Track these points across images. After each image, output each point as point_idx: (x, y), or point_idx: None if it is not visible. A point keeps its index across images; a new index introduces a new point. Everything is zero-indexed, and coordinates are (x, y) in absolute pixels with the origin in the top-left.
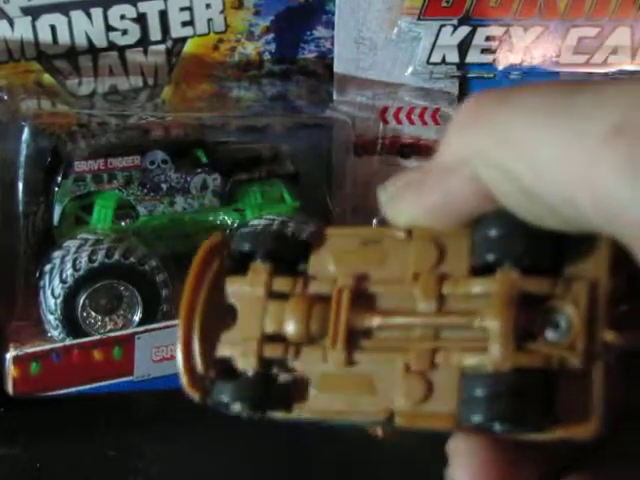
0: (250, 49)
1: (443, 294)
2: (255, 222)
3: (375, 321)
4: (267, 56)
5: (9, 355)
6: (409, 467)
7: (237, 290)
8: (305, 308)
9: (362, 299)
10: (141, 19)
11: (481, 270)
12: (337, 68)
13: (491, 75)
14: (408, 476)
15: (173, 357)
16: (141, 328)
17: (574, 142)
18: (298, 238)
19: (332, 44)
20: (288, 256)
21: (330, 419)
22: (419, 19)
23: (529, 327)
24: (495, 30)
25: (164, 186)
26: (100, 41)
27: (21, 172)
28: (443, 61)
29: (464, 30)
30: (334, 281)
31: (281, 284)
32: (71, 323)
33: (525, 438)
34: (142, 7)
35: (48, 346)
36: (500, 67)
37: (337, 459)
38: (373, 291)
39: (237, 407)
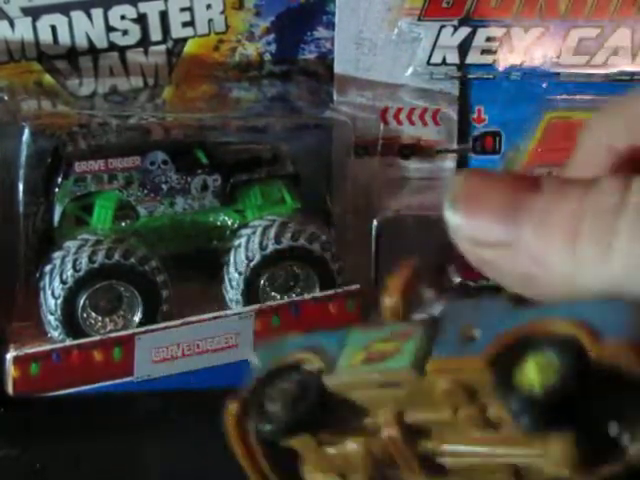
0: (250, 50)
1: (492, 421)
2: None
3: (441, 447)
4: (267, 57)
5: (9, 355)
6: None
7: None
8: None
9: (412, 434)
10: (142, 19)
11: None
12: (337, 69)
13: (491, 76)
14: None
15: (173, 357)
16: (141, 329)
17: None
18: (314, 400)
19: (332, 45)
20: (316, 418)
21: None
22: (419, 20)
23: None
24: (495, 31)
25: (164, 187)
26: (100, 41)
27: (21, 172)
28: (443, 62)
29: (464, 31)
30: (377, 427)
31: (337, 458)
32: (71, 324)
33: None
34: (142, 7)
35: (48, 347)
36: (500, 68)
37: None
38: (419, 426)
39: None
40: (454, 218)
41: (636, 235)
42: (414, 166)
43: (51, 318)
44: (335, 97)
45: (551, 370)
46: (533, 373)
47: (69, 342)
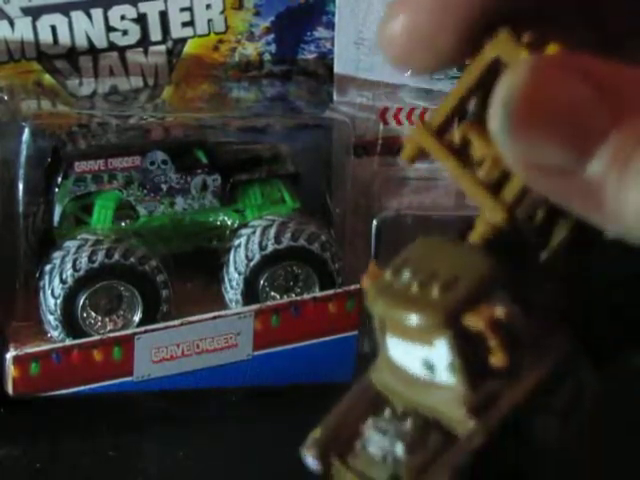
0: (250, 50)
1: None
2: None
3: None
4: (267, 57)
5: (9, 355)
6: None
7: None
8: None
9: None
10: (141, 20)
11: None
12: (337, 69)
13: None
14: None
15: (173, 357)
16: (141, 328)
17: None
18: None
19: (332, 45)
20: None
21: None
22: None
23: None
24: None
25: (164, 186)
26: (100, 41)
27: (21, 172)
28: None
29: None
30: None
31: None
32: (71, 323)
33: None
34: (142, 7)
35: (48, 346)
36: None
37: None
38: None
39: None
40: (509, 132)
41: None
42: (414, 166)
43: (51, 318)
44: (335, 97)
45: None
46: None
47: (69, 342)
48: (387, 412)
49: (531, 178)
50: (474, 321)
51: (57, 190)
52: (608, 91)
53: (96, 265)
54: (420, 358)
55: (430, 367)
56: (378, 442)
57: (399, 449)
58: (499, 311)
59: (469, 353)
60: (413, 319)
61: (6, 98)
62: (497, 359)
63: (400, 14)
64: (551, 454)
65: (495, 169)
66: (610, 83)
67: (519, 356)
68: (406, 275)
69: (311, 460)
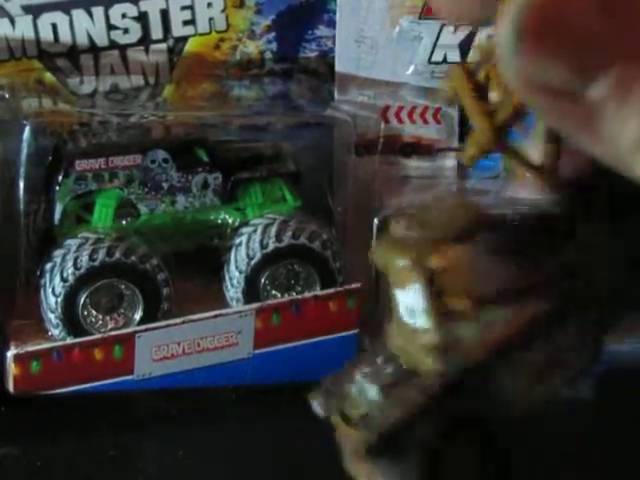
0: (251, 48)
1: None
2: None
3: None
4: (268, 55)
5: (10, 353)
6: None
7: None
8: None
9: None
10: (142, 18)
11: None
12: (338, 67)
13: None
14: None
15: (174, 356)
16: (142, 327)
17: None
18: None
19: (333, 43)
20: None
21: None
22: (420, 18)
23: None
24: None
25: (165, 185)
26: (101, 40)
27: (22, 170)
28: (444, 60)
29: (465, 29)
30: None
31: None
32: (72, 322)
33: None
34: (143, 6)
35: (49, 345)
36: None
37: (337, 460)
38: None
39: None
40: (515, 47)
41: None
42: (415, 164)
43: (52, 316)
44: (336, 95)
45: None
46: None
47: (70, 340)
48: (379, 359)
49: (530, 96)
50: (436, 262)
51: (58, 188)
52: (621, 17)
53: (97, 263)
54: (404, 304)
55: (412, 313)
56: (359, 384)
57: (373, 391)
58: (460, 252)
59: (436, 296)
60: (393, 262)
61: (7, 96)
62: (459, 303)
63: None
64: (517, 412)
65: (503, 100)
66: (624, 8)
67: (489, 304)
68: (408, 227)
69: (316, 405)
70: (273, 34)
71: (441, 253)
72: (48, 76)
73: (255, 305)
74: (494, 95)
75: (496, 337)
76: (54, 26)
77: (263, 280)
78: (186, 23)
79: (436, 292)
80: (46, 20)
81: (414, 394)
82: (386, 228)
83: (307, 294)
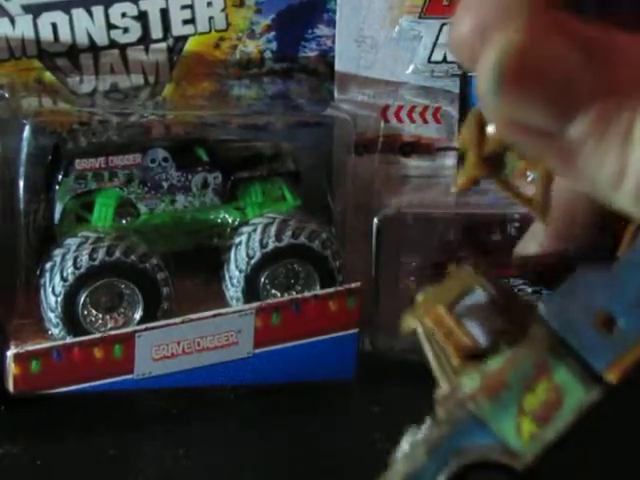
0: (251, 47)
1: None
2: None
3: None
4: (268, 54)
5: (10, 353)
6: None
7: None
8: None
9: None
10: (142, 17)
11: None
12: (338, 66)
13: None
14: None
15: (173, 355)
16: (142, 326)
17: None
18: None
19: (333, 42)
20: None
21: None
22: (420, 17)
23: None
24: None
25: (165, 184)
26: (101, 39)
27: (22, 170)
28: (444, 60)
29: None
30: None
31: None
32: (72, 321)
33: None
34: (143, 5)
35: (49, 344)
36: None
37: (337, 460)
38: None
39: None
40: (496, 90)
41: None
42: (415, 164)
43: (51, 315)
44: (336, 95)
45: None
46: None
47: (69, 339)
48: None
49: (511, 136)
50: (427, 321)
51: (58, 188)
52: (597, 58)
53: (97, 263)
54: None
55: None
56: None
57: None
58: (440, 311)
59: (437, 350)
60: (407, 325)
61: (7, 95)
62: (451, 355)
63: (467, 16)
64: None
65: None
66: (600, 49)
67: (480, 352)
68: (427, 295)
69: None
70: (273, 33)
71: (431, 312)
72: (48, 75)
73: (255, 304)
74: (490, 128)
75: (492, 385)
76: (54, 25)
77: (263, 279)
78: (186, 22)
79: (436, 349)
80: (46, 19)
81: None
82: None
83: (307, 293)
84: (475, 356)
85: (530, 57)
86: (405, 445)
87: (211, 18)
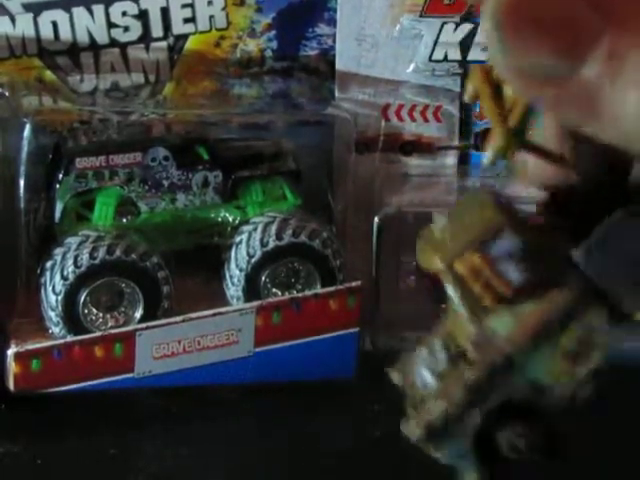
0: (252, 46)
1: None
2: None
3: None
4: (269, 53)
5: (10, 352)
6: (408, 468)
7: None
8: None
9: None
10: (143, 16)
11: None
12: (339, 65)
13: None
14: (408, 477)
15: (174, 354)
16: (142, 325)
17: None
18: None
19: (334, 41)
20: None
21: None
22: (421, 16)
23: None
24: None
25: (165, 183)
26: (102, 38)
27: (22, 169)
28: (445, 58)
29: (466, 27)
30: None
31: None
32: (72, 320)
33: None
34: (144, 4)
35: (49, 343)
36: None
37: (337, 460)
38: None
39: None
40: (499, 42)
41: None
42: (415, 163)
43: (52, 314)
44: (336, 93)
45: None
46: None
47: (70, 338)
48: (436, 344)
49: (526, 89)
50: (460, 268)
51: (58, 186)
52: None
53: (97, 261)
54: (448, 294)
55: (453, 302)
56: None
57: (428, 377)
58: (476, 260)
59: (467, 294)
60: (432, 264)
61: (7, 94)
62: (486, 301)
63: None
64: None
65: (515, 99)
66: None
67: (516, 297)
68: (444, 229)
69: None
70: (273, 32)
71: (465, 260)
72: (48, 74)
73: (255, 303)
74: (509, 92)
75: (530, 326)
76: (54, 24)
77: (263, 278)
78: (186, 21)
79: (466, 293)
80: (46, 18)
81: (461, 383)
82: (427, 228)
83: (307, 292)
84: (510, 300)
85: (524, 4)
86: (429, 378)
87: (212, 17)
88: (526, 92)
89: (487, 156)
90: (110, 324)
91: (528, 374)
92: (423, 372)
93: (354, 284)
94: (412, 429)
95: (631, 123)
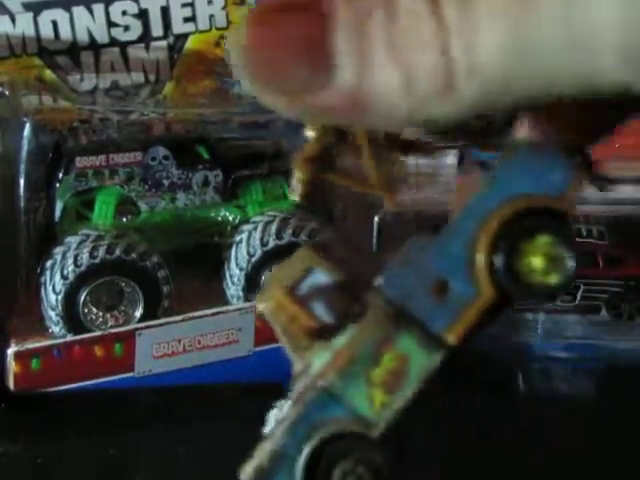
0: None
1: None
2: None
3: None
4: None
5: (10, 351)
6: (405, 467)
7: None
8: None
9: None
10: (143, 15)
11: None
12: None
13: None
14: (406, 476)
15: (174, 353)
16: (142, 324)
17: None
18: None
19: None
20: None
21: None
22: None
23: None
24: None
25: (166, 182)
26: (102, 37)
27: (22, 168)
28: None
29: None
30: None
31: None
32: (72, 319)
33: None
34: (144, 3)
35: (49, 342)
36: None
37: None
38: None
39: None
40: (249, 79)
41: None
42: (415, 162)
43: (52, 313)
44: None
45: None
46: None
47: (70, 337)
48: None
49: (298, 111)
50: (273, 308)
51: (58, 186)
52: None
53: (97, 261)
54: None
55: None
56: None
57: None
58: (284, 299)
59: (288, 333)
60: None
61: (7, 93)
62: (300, 338)
63: None
64: None
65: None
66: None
67: (328, 332)
68: (269, 276)
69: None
70: None
71: (276, 300)
72: (48, 73)
73: (256, 302)
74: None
75: (337, 361)
76: (54, 23)
77: (264, 277)
78: (186, 20)
79: (286, 332)
80: (46, 17)
81: (283, 424)
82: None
83: None
84: (323, 334)
85: (260, 46)
86: (271, 422)
87: (212, 16)
88: (302, 115)
89: (293, 190)
90: (110, 323)
91: (350, 407)
92: (272, 421)
93: None
94: (245, 471)
95: (392, 100)
